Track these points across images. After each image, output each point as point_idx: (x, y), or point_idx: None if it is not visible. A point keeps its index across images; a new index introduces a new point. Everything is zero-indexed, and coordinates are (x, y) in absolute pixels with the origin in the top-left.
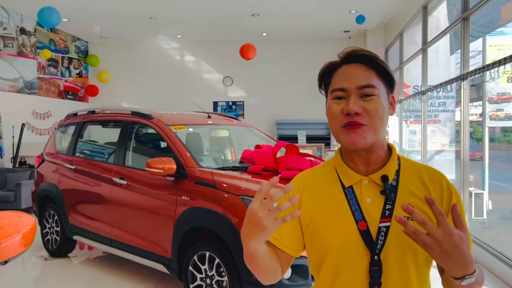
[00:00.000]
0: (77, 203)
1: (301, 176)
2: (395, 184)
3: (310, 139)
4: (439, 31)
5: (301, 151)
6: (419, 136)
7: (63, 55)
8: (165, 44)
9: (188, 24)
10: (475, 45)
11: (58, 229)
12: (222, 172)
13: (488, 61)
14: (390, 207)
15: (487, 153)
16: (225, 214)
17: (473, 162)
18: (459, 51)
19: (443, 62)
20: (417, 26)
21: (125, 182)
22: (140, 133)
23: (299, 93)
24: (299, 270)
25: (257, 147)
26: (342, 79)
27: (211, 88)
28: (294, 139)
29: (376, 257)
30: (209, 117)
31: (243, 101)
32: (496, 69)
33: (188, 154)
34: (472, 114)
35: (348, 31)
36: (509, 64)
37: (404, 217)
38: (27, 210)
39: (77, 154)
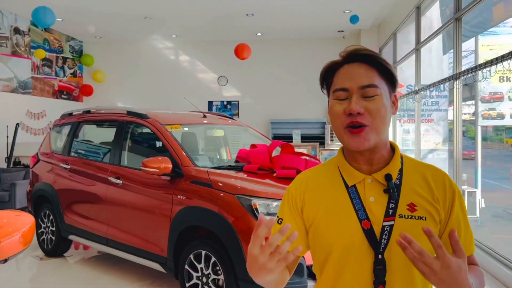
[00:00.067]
0: (72, 202)
1: (303, 175)
2: (398, 183)
3: (305, 138)
4: (432, 31)
5: (296, 150)
6: (412, 135)
7: (57, 54)
8: (160, 44)
9: (183, 24)
10: (467, 45)
11: (54, 228)
12: (218, 171)
13: (480, 60)
14: (393, 206)
15: (480, 151)
16: (221, 213)
17: (466, 160)
18: (451, 50)
19: (436, 61)
20: (411, 26)
21: (121, 181)
22: (136, 133)
23: (293, 92)
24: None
25: (253, 146)
26: (344, 79)
27: (205, 88)
28: (288, 138)
29: (380, 256)
30: (204, 116)
31: (238, 101)
32: (488, 68)
33: (184, 153)
34: (464, 113)
35: (342, 31)
36: (501, 63)
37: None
38: (22, 210)
39: (73, 154)
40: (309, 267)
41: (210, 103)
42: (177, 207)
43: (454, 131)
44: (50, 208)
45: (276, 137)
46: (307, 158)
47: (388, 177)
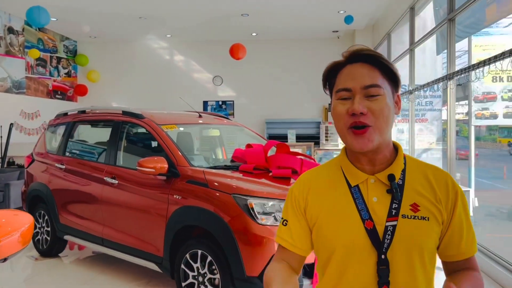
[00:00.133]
0: (68, 203)
1: (305, 176)
2: (401, 183)
3: (300, 138)
4: (426, 32)
5: (291, 150)
6: (406, 135)
7: (51, 54)
8: (154, 44)
9: (178, 23)
10: (461, 45)
11: (49, 229)
12: (214, 171)
13: (474, 61)
14: (396, 206)
15: (473, 151)
16: (217, 213)
17: (460, 160)
18: (445, 51)
19: (429, 62)
20: (405, 26)
21: (117, 181)
22: (131, 133)
23: (288, 92)
24: None
25: (248, 146)
26: (346, 79)
27: (201, 88)
28: (284, 138)
29: (383, 256)
30: (200, 116)
31: (233, 101)
32: (481, 69)
33: (180, 153)
34: (458, 113)
35: (337, 31)
36: (494, 64)
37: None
38: None
39: (68, 154)
40: (305, 266)
41: (205, 103)
42: (173, 206)
43: (447, 130)
44: (45, 208)
45: (271, 137)
46: (302, 157)
47: (391, 177)
